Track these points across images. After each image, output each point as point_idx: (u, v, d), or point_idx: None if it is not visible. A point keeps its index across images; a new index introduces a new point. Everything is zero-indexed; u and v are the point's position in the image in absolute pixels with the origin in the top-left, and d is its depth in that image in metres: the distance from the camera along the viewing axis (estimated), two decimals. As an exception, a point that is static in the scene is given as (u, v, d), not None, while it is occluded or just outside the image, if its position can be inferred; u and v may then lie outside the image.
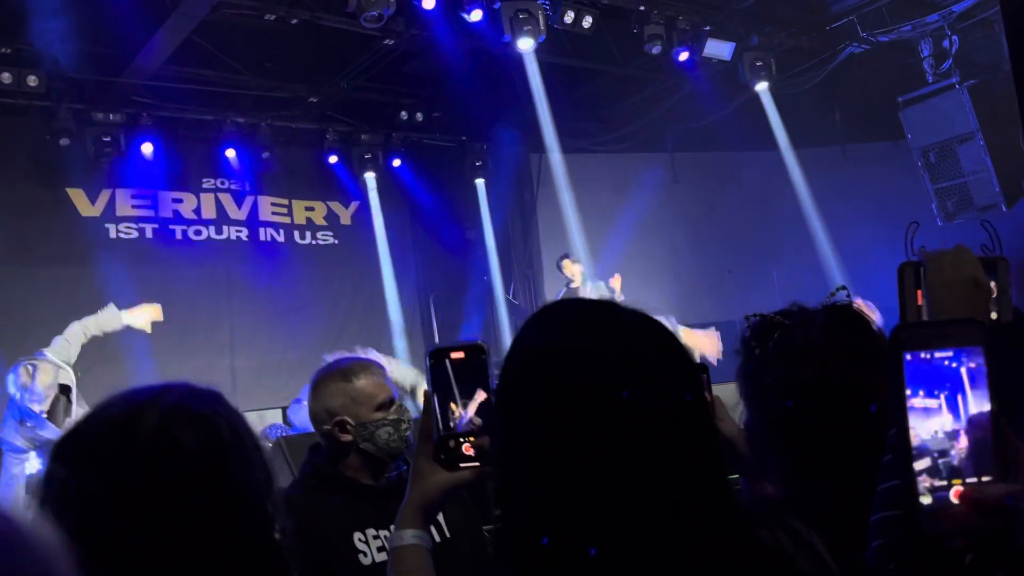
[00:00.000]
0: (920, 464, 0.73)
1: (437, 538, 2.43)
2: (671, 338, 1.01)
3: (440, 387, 1.26)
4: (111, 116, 8.01)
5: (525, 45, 7.11)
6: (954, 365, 0.75)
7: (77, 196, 8.30)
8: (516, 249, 10.33)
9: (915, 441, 0.74)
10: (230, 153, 8.85)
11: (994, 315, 1.14)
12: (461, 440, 1.25)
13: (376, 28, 6.89)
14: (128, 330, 7.96)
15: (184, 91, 8.19)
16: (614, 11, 7.56)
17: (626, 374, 0.94)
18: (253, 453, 1.05)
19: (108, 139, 8.08)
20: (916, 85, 8.50)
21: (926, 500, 0.73)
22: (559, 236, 9.88)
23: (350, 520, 2.42)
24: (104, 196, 8.41)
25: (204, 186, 8.97)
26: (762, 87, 8.55)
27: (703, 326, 8.99)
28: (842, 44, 8.55)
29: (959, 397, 0.74)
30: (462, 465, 1.25)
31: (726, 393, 1.57)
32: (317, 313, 9.03)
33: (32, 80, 7.28)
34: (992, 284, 1.14)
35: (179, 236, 8.73)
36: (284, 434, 5.55)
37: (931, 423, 0.74)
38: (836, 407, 1.29)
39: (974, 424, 0.74)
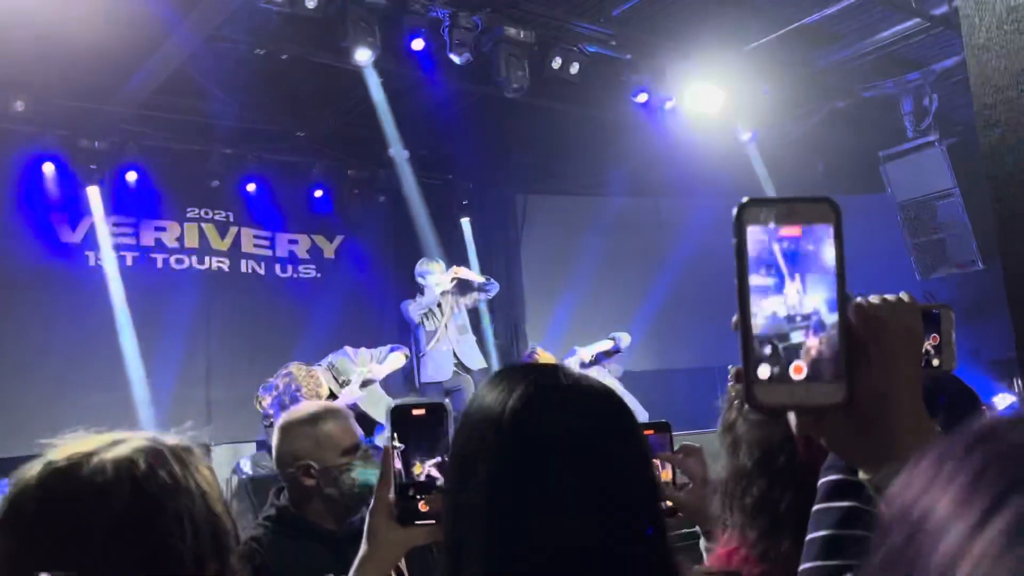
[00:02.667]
0: (761, 341, 0.71)
1: (399, 588, 2.40)
2: (619, 406, 1.02)
3: (400, 443, 1.25)
4: (96, 143, 8.01)
5: (512, 89, 7.18)
6: (800, 246, 0.72)
7: (58, 222, 8.27)
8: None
9: (757, 320, 0.72)
10: (214, 184, 8.84)
11: (936, 362, 1.16)
12: (418, 497, 1.24)
13: (365, 66, 6.95)
14: (105, 358, 7.93)
15: (171, 121, 8.22)
16: (601, 59, 7.66)
17: (572, 442, 0.95)
18: (197, 517, 1.02)
19: (93, 166, 8.08)
20: (898, 140, 8.64)
21: (764, 373, 0.71)
22: (542, 276, 9.92)
23: (311, 565, 2.38)
24: (86, 223, 8.37)
25: (188, 216, 8.96)
26: (747, 136, 8.67)
27: (683, 372, 9.00)
28: (826, 97, 8.69)
29: (806, 277, 0.72)
30: (417, 523, 1.24)
31: (708, 441, 1.59)
32: (296, 347, 8.96)
33: (19, 105, 7.29)
34: (934, 334, 1.16)
35: (160, 265, 8.69)
36: (251, 474, 5.50)
37: (774, 302, 0.72)
38: (797, 468, 1.30)
39: (818, 305, 0.72)
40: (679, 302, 9.99)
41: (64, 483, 0.98)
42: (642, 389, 7.91)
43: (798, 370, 0.71)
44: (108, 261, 8.34)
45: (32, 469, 1.01)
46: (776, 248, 0.73)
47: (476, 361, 7.14)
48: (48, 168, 7.90)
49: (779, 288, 0.72)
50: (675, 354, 9.92)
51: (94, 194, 8.17)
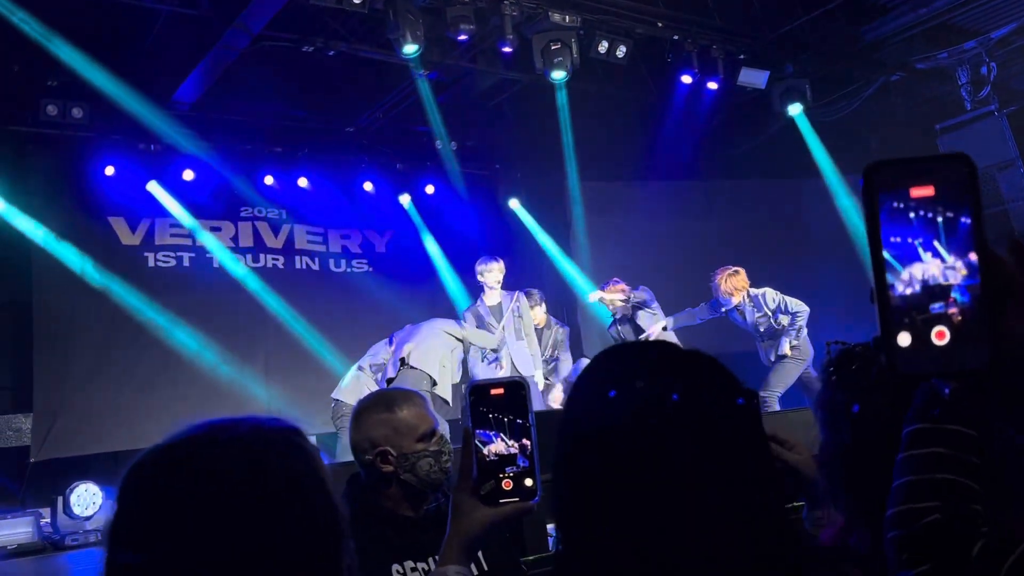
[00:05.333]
0: (899, 308, 0.69)
1: (475, 570, 2.42)
2: (727, 377, 1.01)
3: (480, 423, 1.26)
4: (152, 146, 8.18)
5: (558, 75, 7.15)
6: (935, 207, 0.70)
7: (118, 225, 8.45)
8: (548, 277, 10.33)
9: (894, 286, 0.70)
10: (268, 181, 8.98)
11: None
12: (501, 476, 1.26)
13: (412, 59, 6.98)
14: (167, 357, 8.10)
15: (223, 121, 8.35)
16: (648, 40, 7.59)
17: (683, 429, 0.95)
18: (311, 498, 1.04)
19: (149, 169, 8.26)
20: (954, 112, 8.43)
21: (904, 341, 0.69)
22: (593, 262, 9.88)
23: (388, 552, 2.40)
24: (144, 225, 8.55)
25: (242, 215, 9.10)
26: (796, 111, 8.52)
27: (739, 355, 8.90)
28: (877, 72, 8.52)
29: (943, 238, 0.69)
30: (501, 501, 1.26)
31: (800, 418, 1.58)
32: (353, 341, 9.06)
33: (77, 112, 7.47)
34: None
35: (216, 264, 8.84)
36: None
37: (910, 266, 0.70)
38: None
39: (958, 265, 0.70)
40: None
41: (189, 456, 1.01)
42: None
43: (941, 336, 0.69)
44: (165, 261, 8.55)
45: (159, 448, 1.03)
46: (909, 211, 0.70)
47: (528, 368, 7.11)
48: (107, 172, 8.10)
49: (915, 252, 0.70)
50: (726, 338, 9.81)
51: (160, 192, 8.39)
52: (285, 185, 9.06)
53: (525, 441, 1.24)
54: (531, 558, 2.97)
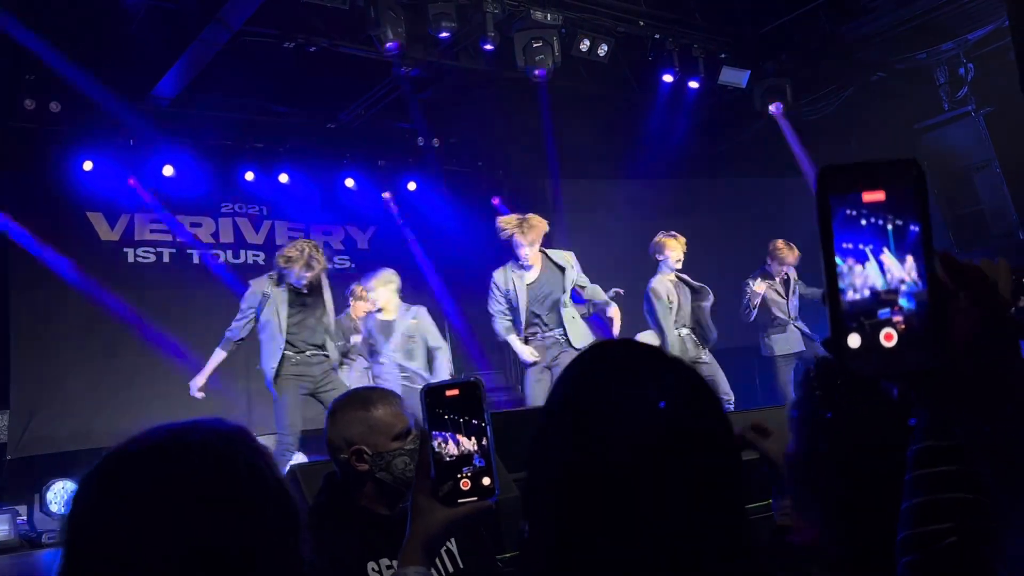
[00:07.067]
0: (849, 310, 0.71)
1: (451, 568, 2.43)
2: (704, 388, 1.02)
3: (436, 424, 1.27)
4: (132, 142, 8.12)
5: (539, 73, 7.15)
6: (885, 211, 0.71)
7: (97, 220, 8.38)
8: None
9: (845, 289, 0.71)
10: (248, 177, 8.93)
11: None
12: (459, 476, 1.27)
13: (394, 55, 6.96)
14: (146, 353, 8.04)
15: (204, 117, 8.30)
16: (630, 39, 7.61)
17: (657, 433, 0.96)
18: (274, 492, 1.06)
19: (128, 164, 8.20)
20: (932, 112, 8.50)
21: (854, 342, 0.71)
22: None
23: (364, 550, 2.41)
24: (123, 220, 8.49)
25: (222, 211, 9.05)
26: (773, 110, 8.57)
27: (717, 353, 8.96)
28: (858, 71, 8.57)
29: (893, 241, 0.71)
30: (460, 501, 1.27)
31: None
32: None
33: (55, 106, 7.41)
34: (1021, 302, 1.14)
35: (196, 260, 8.79)
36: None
37: (861, 269, 0.71)
38: (889, 452, 1.28)
39: (907, 269, 0.71)
40: (712, 285, 9.90)
41: (161, 458, 1.02)
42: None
43: (888, 338, 0.70)
44: (145, 257, 8.50)
45: (128, 447, 1.04)
46: (860, 215, 0.72)
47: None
48: (85, 167, 8.03)
49: (866, 255, 0.71)
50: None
51: (130, 191, 8.32)
52: (266, 181, 9.02)
53: (482, 440, 1.25)
54: (507, 555, 2.97)
